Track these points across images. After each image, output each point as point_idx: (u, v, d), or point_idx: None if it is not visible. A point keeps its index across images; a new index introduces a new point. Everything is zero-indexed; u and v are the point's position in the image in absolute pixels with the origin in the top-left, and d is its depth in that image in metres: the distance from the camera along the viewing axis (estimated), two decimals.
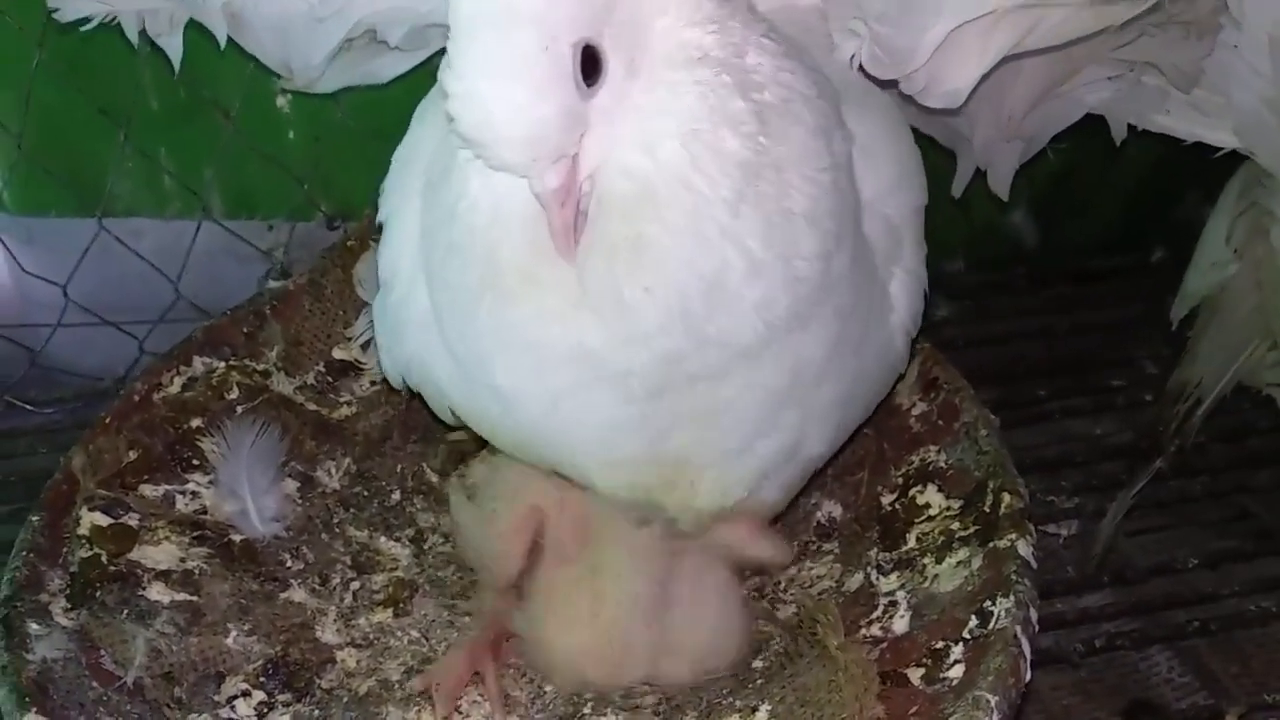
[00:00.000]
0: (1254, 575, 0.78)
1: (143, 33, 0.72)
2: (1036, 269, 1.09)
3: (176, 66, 0.71)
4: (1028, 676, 0.48)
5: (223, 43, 0.69)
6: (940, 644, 0.51)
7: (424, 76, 0.74)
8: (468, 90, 0.42)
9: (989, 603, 0.50)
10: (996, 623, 0.49)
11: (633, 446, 0.50)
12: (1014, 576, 0.51)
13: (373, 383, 0.73)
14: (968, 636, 0.50)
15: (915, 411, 0.64)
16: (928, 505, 0.59)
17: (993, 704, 0.45)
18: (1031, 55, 0.63)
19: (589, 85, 0.42)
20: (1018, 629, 0.48)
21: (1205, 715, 0.73)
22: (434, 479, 0.70)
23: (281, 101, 0.93)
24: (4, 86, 0.90)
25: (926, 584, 0.55)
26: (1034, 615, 0.50)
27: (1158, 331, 0.88)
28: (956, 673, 0.49)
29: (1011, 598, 0.50)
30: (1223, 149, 0.76)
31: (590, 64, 0.42)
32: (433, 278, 0.51)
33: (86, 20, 0.71)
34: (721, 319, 0.46)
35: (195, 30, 0.72)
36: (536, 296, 0.45)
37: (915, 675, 0.50)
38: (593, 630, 0.54)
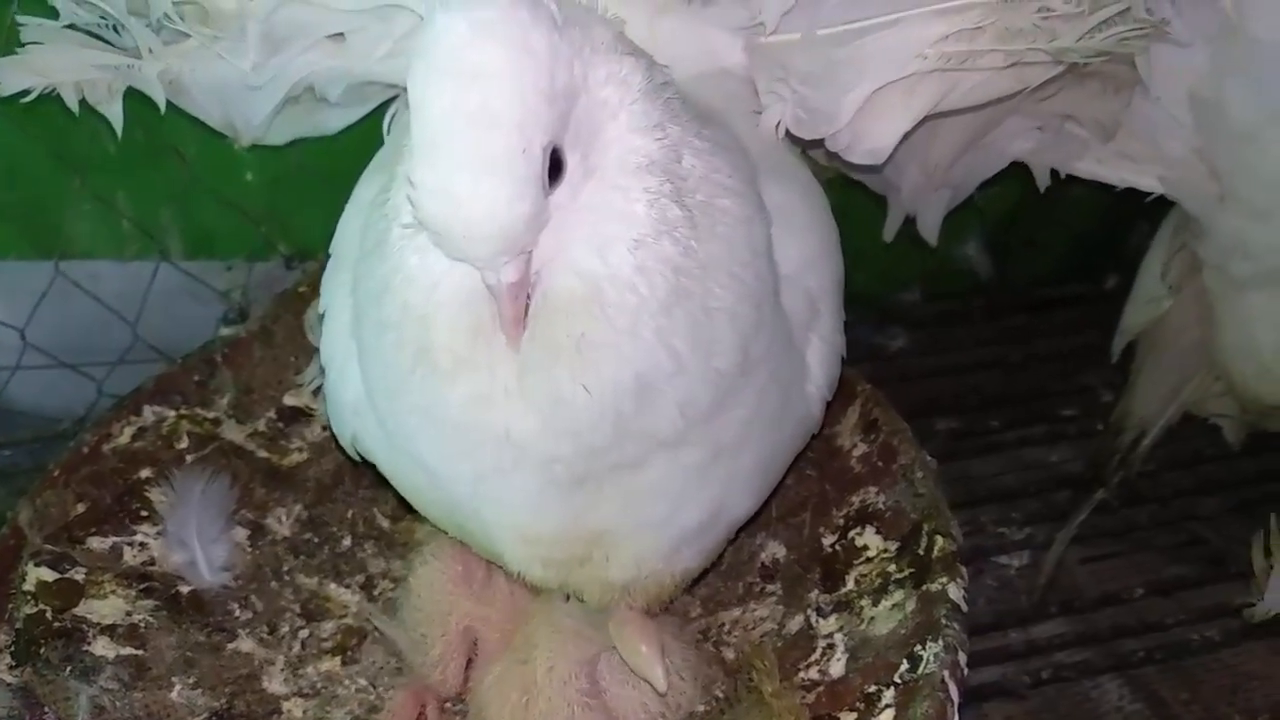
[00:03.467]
0: (1203, 602, 0.80)
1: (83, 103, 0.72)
2: (992, 300, 1.11)
3: (119, 131, 0.71)
4: (954, 718, 0.49)
5: (162, 108, 0.69)
6: (873, 688, 0.51)
7: (374, 124, 0.74)
8: (441, 185, 0.42)
9: (919, 646, 0.51)
10: (925, 667, 0.50)
11: (551, 525, 0.51)
12: (944, 620, 0.52)
13: (324, 428, 0.73)
14: (898, 681, 0.51)
15: (856, 453, 0.65)
16: (866, 547, 0.60)
17: None
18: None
19: (551, 184, 0.43)
20: (945, 673, 0.49)
21: None
22: (385, 524, 0.71)
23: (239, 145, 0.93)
24: None
25: (863, 626, 0.56)
26: (963, 659, 0.51)
27: (1110, 359, 0.89)
28: (887, 717, 0.49)
29: (940, 642, 0.51)
30: None
31: (554, 165, 0.43)
32: (364, 352, 0.51)
33: (26, 92, 0.70)
34: (646, 416, 0.47)
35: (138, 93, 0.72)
36: (468, 380, 0.46)
37: (849, 719, 0.51)
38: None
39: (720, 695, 0.56)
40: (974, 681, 0.74)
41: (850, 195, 0.79)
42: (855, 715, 0.51)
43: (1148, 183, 0.77)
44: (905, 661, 0.51)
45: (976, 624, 0.78)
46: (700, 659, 0.59)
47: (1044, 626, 0.80)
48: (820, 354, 0.56)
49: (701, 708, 0.57)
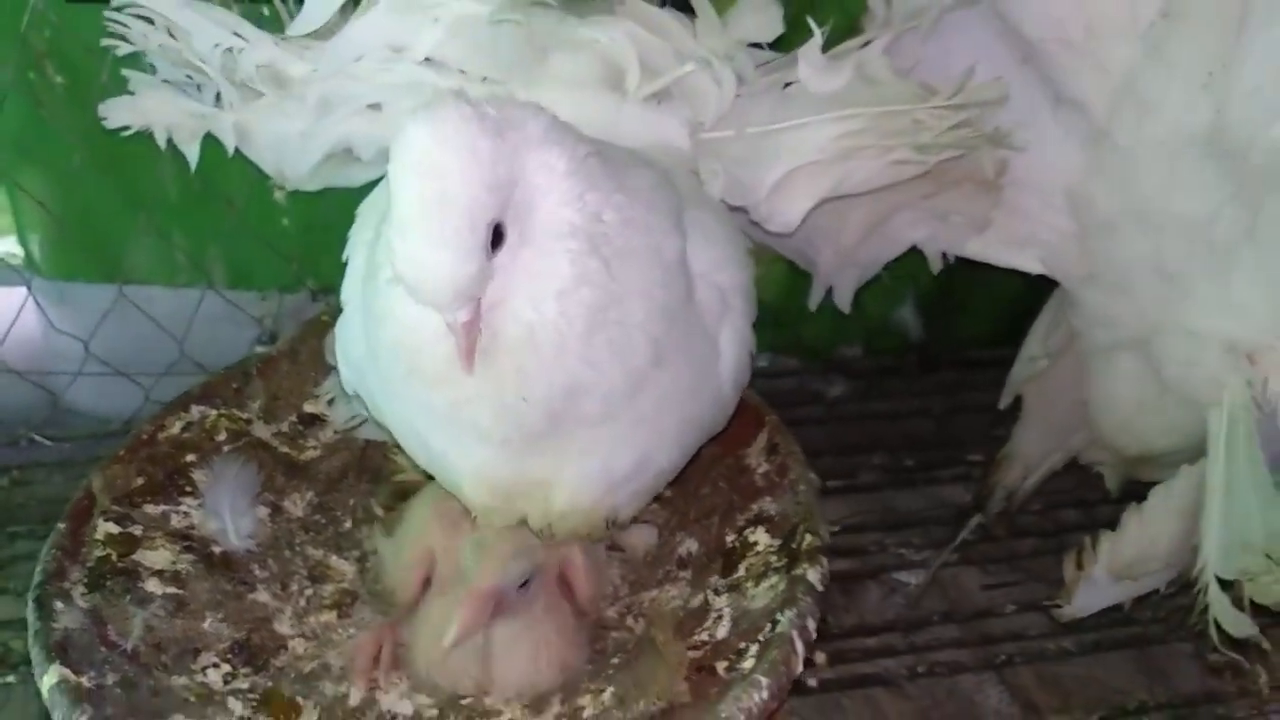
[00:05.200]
0: (1047, 619, 0.91)
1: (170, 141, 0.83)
2: (925, 357, 1.23)
3: (193, 167, 0.82)
4: (799, 668, 0.62)
5: (231, 152, 0.80)
6: (743, 645, 0.64)
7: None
8: (412, 254, 0.54)
9: (779, 614, 0.64)
10: (780, 628, 0.63)
11: (503, 474, 0.64)
12: (800, 595, 0.65)
13: (335, 432, 0.86)
14: (761, 639, 0.63)
15: (759, 470, 0.78)
16: (756, 543, 0.72)
17: (763, 684, 0.59)
18: (856, 200, 0.78)
19: (494, 250, 0.56)
20: (794, 633, 0.62)
21: None
22: (379, 512, 0.83)
23: (278, 194, 1.03)
24: (48, 175, 1.01)
25: (746, 602, 0.68)
26: (811, 624, 0.63)
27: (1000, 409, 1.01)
28: (749, 664, 0.62)
29: (794, 609, 0.64)
30: None
31: (497, 235, 0.56)
32: (370, 352, 0.66)
33: (127, 127, 0.82)
34: (576, 408, 0.61)
35: (210, 138, 0.83)
36: (445, 389, 0.60)
37: (721, 667, 0.64)
38: (439, 647, 0.67)
39: (631, 650, 0.70)
40: (864, 672, 0.88)
41: (801, 272, 0.92)
42: (727, 664, 0.64)
43: (1030, 263, 0.87)
44: (769, 625, 0.64)
45: (872, 626, 0.93)
46: (572, 656, 0.70)
47: (929, 631, 0.92)
48: (731, 338, 0.69)
49: (615, 660, 0.70)
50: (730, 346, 0.69)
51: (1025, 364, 0.95)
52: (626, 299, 0.60)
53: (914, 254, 0.89)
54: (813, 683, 0.85)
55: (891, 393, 1.20)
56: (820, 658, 0.87)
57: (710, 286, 0.67)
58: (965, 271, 0.95)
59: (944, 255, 0.89)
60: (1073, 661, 0.92)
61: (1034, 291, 1.20)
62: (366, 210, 0.71)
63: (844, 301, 0.91)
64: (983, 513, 0.94)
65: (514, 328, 0.58)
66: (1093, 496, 1.01)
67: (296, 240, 1.06)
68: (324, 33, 0.76)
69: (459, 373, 0.58)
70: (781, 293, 1.07)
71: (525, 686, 0.68)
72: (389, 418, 0.69)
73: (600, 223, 0.60)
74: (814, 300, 0.92)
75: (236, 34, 0.76)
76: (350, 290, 0.70)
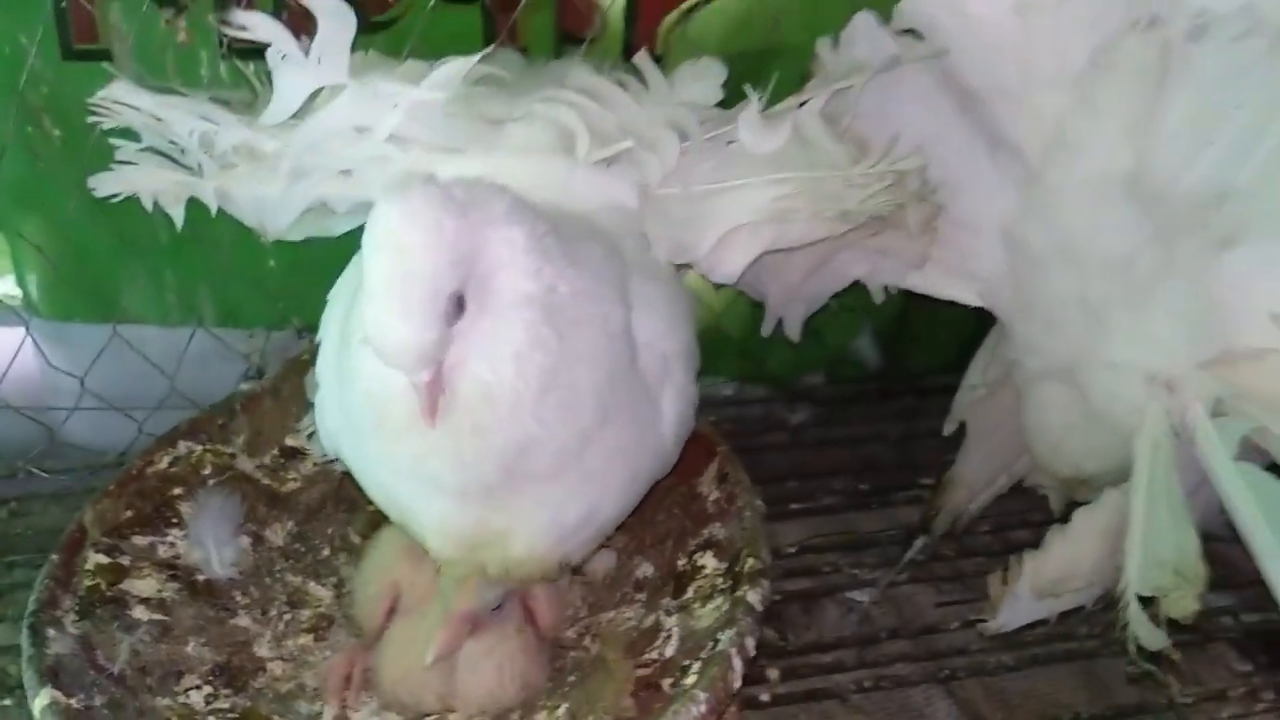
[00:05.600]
0: (1001, 637, 0.93)
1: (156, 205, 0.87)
2: (885, 386, 1.27)
3: (179, 226, 0.86)
4: (736, 683, 0.66)
5: (214, 212, 0.84)
6: (687, 662, 0.69)
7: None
8: (380, 321, 0.59)
9: (720, 633, 0.69)
10: (720, 646, 0.67)
11: (459, 525, 0.69)
12: (740, 615, 0.69)
13: (314, 464, 0.90)
14: (703, 657, 0.68)
15: (711, 497, 0.83)
16: (704, 566, 0.77)
17: (701, 699, 0.64)
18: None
19: (456, 318, 0.60)
20: (733, 651, 0.67)
21: None
22: (356, 540, 0.87)
23: (265, 238, 1.04)
24: (45, 221, 1.07)
25: (693, 622, 0.73)
26: (749, 642, 0.68)
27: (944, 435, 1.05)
28: (691, 680, 0.66)
29: (734, 630, 0.68)
30: None
31: (457, 305, 0.60)
32: (343, 406, 0.71)
33: (116, 194, 0.87)
34: (528, 463, 0.66)
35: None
36: (408, 442, 0.64)
37: (666, 684, 0.68)
38: (400, 667, 0.73)
39: (586, 668, 0.74)
40: (816, 686, 0.93)
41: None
42: (671, 680, 0.68)
43: (968, 296, 0.92)
44: (711, 644, 0.69)
45: (825, 643, 0.98)
46: (532, 678, 0.75)
47: (877, 648, 0.96)
48: (673, 400, 0.74)
49: (572, 678, 0.75)
50: (671, 406, 0.74)
51: (966, 392, 1.00)
52: (576, 364, 0.66)
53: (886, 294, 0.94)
54: (765, 697, 0.89)
55: (852, 419, 1.24)
56: (773, 673, 0.91)
57: (653, 354, 0.72)
58: (921, 304, 0.99)
59: (889, 288, 0.94)
60: (1017, 676, 0.96)
61: (985, 324, 1.26)
62: (335, 296, 0.76)
63: (794, 332, 0.96)
64: (928, 534, 0.98)
65: (472, 387, 0.63)
66: (1040, 518, 1.05)
67: (282, 280, 1.10)
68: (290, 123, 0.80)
69: (421, 426, 0.63)
70: (747, 325, 1.13)
71: (488, 702, 0.73)
72: (361, 476, 0.74)
73: (555, 294, 0.65)
74: (766, 328, 0.97)
75: (210, 119, 0.80)
76: (324, 366, 0.76)
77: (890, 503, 1.12)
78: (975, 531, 1.04)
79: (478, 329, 0.63)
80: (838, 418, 1.25)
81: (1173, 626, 0.75)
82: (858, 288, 0.96)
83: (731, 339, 1.22)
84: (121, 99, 0.81)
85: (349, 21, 0.74)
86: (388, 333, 0.60)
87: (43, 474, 1.10)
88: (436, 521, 0.70)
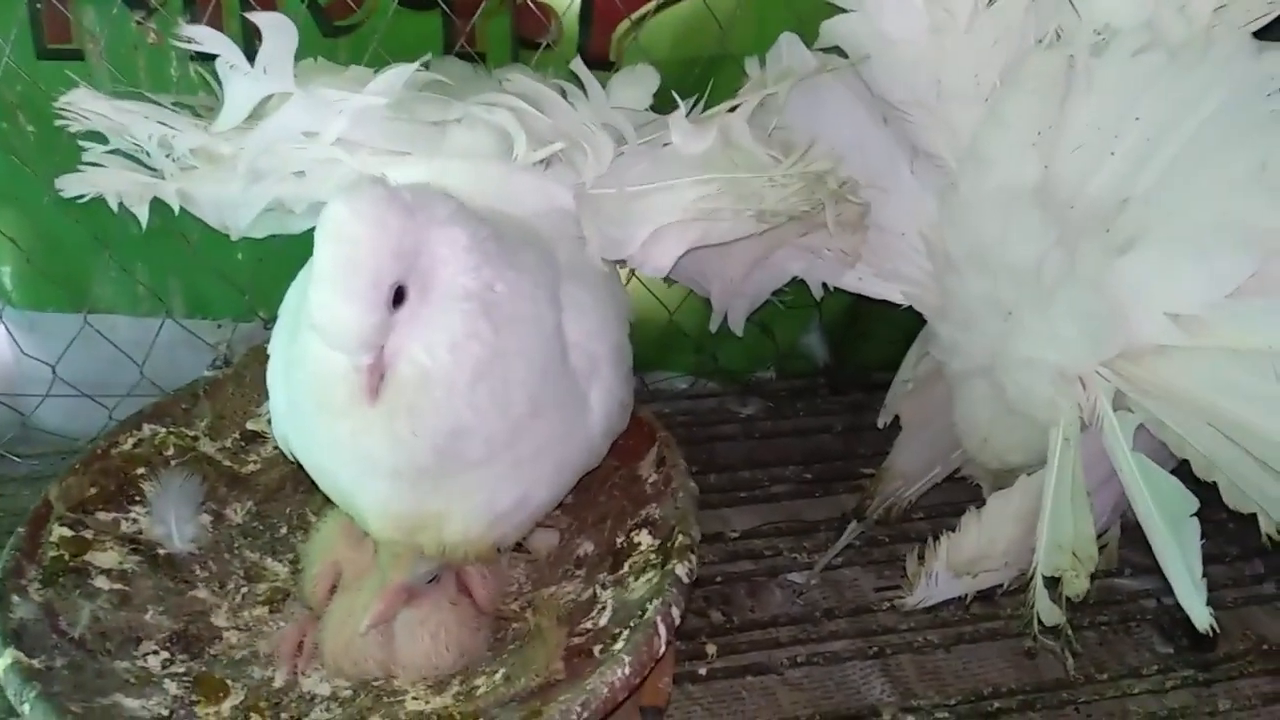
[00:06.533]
0: (930, 616, 1.00)
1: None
2: (833, 380, 1.31)
3: (144, 225, 0.90)
4: (661, 648, 0.71)
5: (176, 212, 0.88)
6: (617, 630, 0.73)
7: None
8: (325, 305, 0.64)
9: (649, 603, 0.73)
10: (647, 615, 0.72)
11: (400, 508, 0.73)
12: (668, 586, 0.74)
13: (274, 447, 0.92)
14: (632, 624, 0.72)
15: (649, 480, 0.87)
16: (640, 543, 0.81)
17: (626, 661, 0.68)
18: (737, 241, 0.87)
19: (396, 307, 0.65)
20: (658, 618, 0.71)
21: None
22: (313, 519, 0.90)
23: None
24: (20, 214, 1.09)
25: (626, 594, 0.77)
26: (675, 611, 0.72)
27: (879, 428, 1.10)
28: (619, 645, 0.71)
29: (660, 599, 0.73)
30: None
31: (398, 294, 0.65)
32: (289, 392, 0.75)
33: (82, 195, 0.91)
34: (460, 447, 0.70)
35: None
36: (348, 421, 0.69)
37: (597, 650, 0.73)
38: (340, 638, 0.77)
39: (524, 635, 0.79)
40: (749, 662, 0.97)
41: None
42: (601, 646, 0.72)
43: (896, 296, 0.98)
44: (639, 612, 0.73)
45: (758, 621, 1.02)
46: (470, 645, 0.78)
47: (811, 625, 1.01)
48: (600, 397, 0.79)
49: (512, 646, 0.79)
50: (600, 403, 0.79)
51: (899, 387, 1.05)
52: (509, 358, 0.70)
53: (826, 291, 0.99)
54: (702, 672, 0.94)
55: (800, 413, 1.29)
56: (711, 649, 0.96)
57: (582, 353, 0.77)
58: (869, 303, 1.04)
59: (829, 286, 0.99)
60: (949, 656, 1.01)
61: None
62: (293, 288, 0.80)
63: (738, 326, 1.01)
64: (862, 520, 1.03)
65: (410, 371, 0.68)
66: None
67: (249, 273, 1.13)
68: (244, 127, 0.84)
69: (360, 407, 0.67)
70: (700, 323, 1.17)
71: (427, 669, 0.77)
72: (305, 460, 0.78)
73: (492, 292, 0.70)
74: (713, 324, 1.02)
75: (167, 124, 0.84)
76: (273, 379, 0.79)
77: (834, 491, 1.17)
78: (913, 519, 1.09)
79: (418, 319, 0.67)
80: (787, 411, 1.29)
81: (1095, 609, 0.80)
82: (805, 286, 1.01)
83: (686, 336, 1.26)
84: (81, 105, 0.85)
85: (291, 34, 0.79)
86: (331, 315, 0.64)
87: (15, 458, 1.13)
88: (375, 504, 0.74)
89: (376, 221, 0.64)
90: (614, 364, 0.80)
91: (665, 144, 0.83)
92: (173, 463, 0.89)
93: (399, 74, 0.79)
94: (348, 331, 0.64)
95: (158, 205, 0.91)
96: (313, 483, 0.87)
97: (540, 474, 0.76)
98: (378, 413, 0.67)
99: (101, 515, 0.84)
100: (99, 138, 0.89)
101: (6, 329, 1.13)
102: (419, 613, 0.77)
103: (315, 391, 0.70)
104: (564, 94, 0.84)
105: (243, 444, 0.95)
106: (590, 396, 0.78)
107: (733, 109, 0.84)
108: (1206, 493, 0.80)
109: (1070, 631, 0.83)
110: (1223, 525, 1.05)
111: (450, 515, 0.74)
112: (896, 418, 1.07)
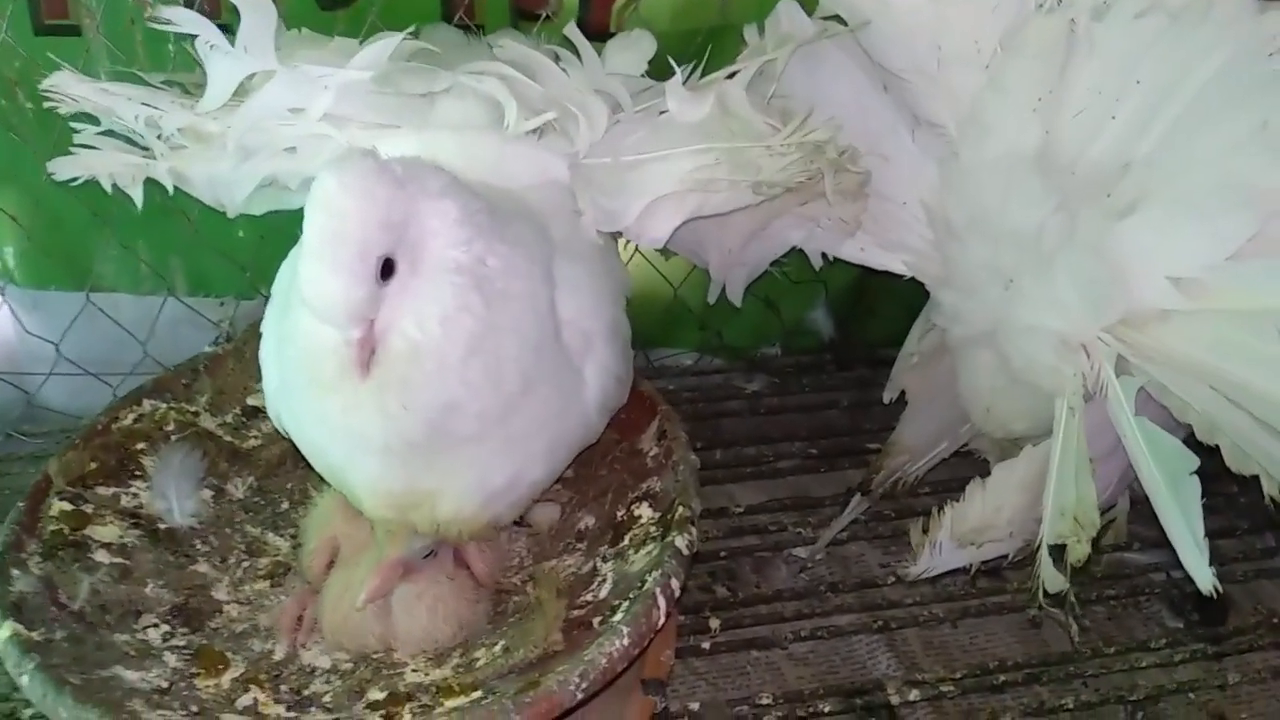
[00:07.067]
0: (936, 591, 1.00)
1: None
2: (839, 356, 1.31)
3: (139, 206, 0.89)
4: (660, 619, 0.70)
5: (171, 191, 0.87)
6: (616, 601, 0.73)
7: None
8: (313, 277, 0.63)
9: (648, 575, 0.73)
10: (646, 586, 0.72)
11: (392, 486, 0.73)
12: (667, 558, 0.73)
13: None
14: (631, 596, 0.72)
15: (650, 453, 0.87)
16: (640, 516, 0.81)
17: (625, 632, 0.68)
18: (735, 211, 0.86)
19: (385, 280, 0.64)
20: (657, 590, 0.71)
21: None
22: (314, 494, 0.89)
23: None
24: (21, 192, 1.09)
25: (626, 566, 0.77)
26: (675, 583, 0.72)
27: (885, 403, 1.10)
28: (618, 617, 0.70)
29: (659, 571, 0.72)
30: None
31: (387, 267, 0.64)
32: (281, 369, 0.75)
33: (74, 178, 0.90)
34: (452, 423, 0.69)
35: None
36: (338, 397, 0.68)
37: (595, 621, 0.72)
38: (338, 613, 0.77)
39: (525, 608, 0.78)
40: (753, 636, 0.97)
41: None
42: (600, 618, 0.72)
43: (898, 266, 0.97)
44: (639, 584, 0.73)
45: (762, 595, 1.02)
46: (467, 619, 0.79)
47: (815, 599, 1.01)
48: (595, 373, 0.78)
49: (513, 619, 0.79)
50: (595, 379, 0.78)
51: (903, 361, 1.04)
52: (501, 333, 0.70)
53: (826, 262, 0.98)
54: (706, 646, 0.94)
55: (806, 388, 1.28)
56: (715, 623, 0.96)
57: (576, 330, 0.76)
58: (875, 278, 1.03)
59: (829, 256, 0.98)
60: (955, 631, 1.01)
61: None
62: (277, 290, 0.79)
63: (736, 297, 1.00)
64: (867, 494, 1.02)
65: (400, 344, 0.67)
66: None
67: (250, 251, 1.13)
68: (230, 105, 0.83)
69: (351, 382, 0.67)
70: (705, 298, 1.16)
71: (426, 642, 0.77)
72: (298, 438, 0.78)
73: (484, 266, 0.69)
74: (711, 294, 1.01)
75: (151, 105, 0.84)
76: (266, 356, 0.79)
77: (839, 467, 1.17)
78: (920, 495, 1.08)
79: (408, 292, 0.66)
80: (792, 387, 1.29)
81: (1104, 584, 0.79)
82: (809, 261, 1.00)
83: (691, 312, 1.26)
84: (65, 89, 0.85)
85: (270, 11, 0.79)
86: (319, 288, 0.64)
87: (20, 436, 1.14)
88: (367, 481, 0.74)
89: (364, 193, 0.63)
90: (609, 340, 0.79)
91: (662, 112, 0.82)
92: (173, 438, 0.89)
93: (384, 47, 0.78)
94: (335, 304, 0.64)
95: (156, 184, 0.91)
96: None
97: (534, 451, 0.76)
98: (368, 388, 0.67)
99: (101, 490, 0.83)
100: (91, 119, 0.89)
101: (10, 308, 1.14)
102: (416, 587, 0.77)
103: (306, 367, 0.69)
104: (557, 60, 0.83)
105: (243, 419, 0.95)
106: (585, 373, 0.78)
107: (730, 76, 0.83)
108: (1219, 466, 0.79)
109: (1075, 599, 0.83)
110: (1234, 499, 1.06)
111: (443, 493, 0.74)
112: (902, 393, 1.06)
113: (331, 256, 0.63)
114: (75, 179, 0.90)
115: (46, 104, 0.88)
